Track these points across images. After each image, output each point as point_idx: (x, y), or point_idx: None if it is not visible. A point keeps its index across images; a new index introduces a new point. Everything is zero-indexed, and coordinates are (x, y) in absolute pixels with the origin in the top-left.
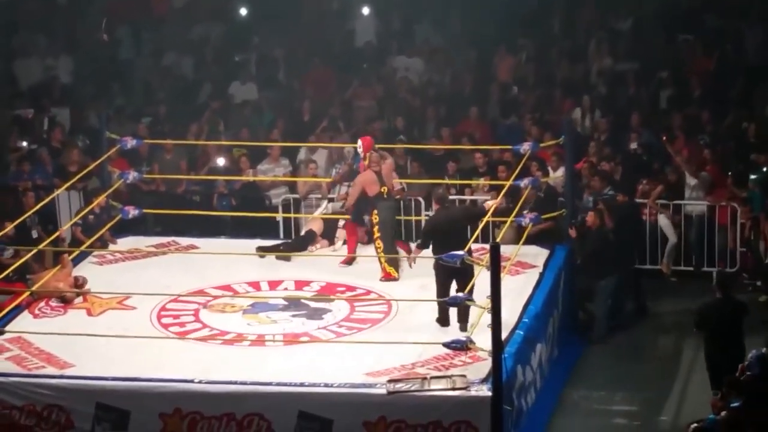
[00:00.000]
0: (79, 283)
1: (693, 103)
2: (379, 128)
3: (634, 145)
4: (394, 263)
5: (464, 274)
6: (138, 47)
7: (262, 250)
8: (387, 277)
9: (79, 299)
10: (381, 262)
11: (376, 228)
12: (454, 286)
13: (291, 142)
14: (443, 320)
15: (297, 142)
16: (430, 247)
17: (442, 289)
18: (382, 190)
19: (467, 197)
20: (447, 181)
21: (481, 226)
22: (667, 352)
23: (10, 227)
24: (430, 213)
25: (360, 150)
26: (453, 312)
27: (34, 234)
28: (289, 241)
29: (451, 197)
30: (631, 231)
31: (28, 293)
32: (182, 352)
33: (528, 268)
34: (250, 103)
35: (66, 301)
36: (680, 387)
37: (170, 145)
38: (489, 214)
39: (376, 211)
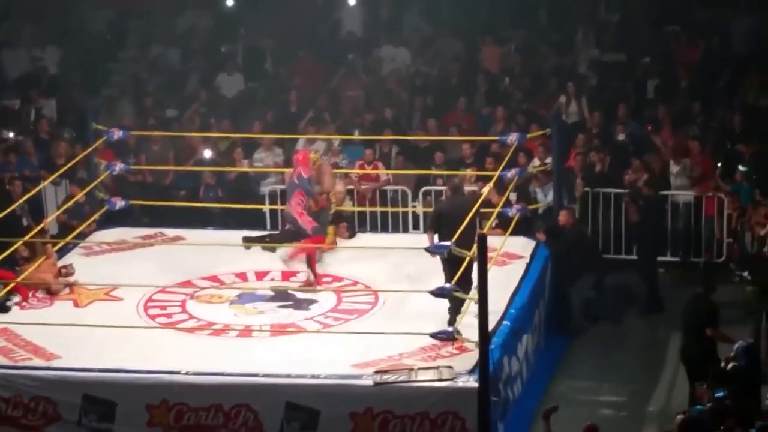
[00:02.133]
0: (65, 273)
1: (680, 94)
2: (369, 120)
3: (621, 136)
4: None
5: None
6: (125, 38)
7: (248, 241)
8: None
9: (66, 290)
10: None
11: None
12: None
13: (280, 133)
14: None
15: (286, 133)
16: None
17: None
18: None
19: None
20: (434, 171)
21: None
22: (653, 343)
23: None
24: (417, 204)
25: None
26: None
27: (25, 222)
28: (276, 232)
29: (437, 188)
30: (656, 224)
31: (13, 284)
32: (169, 343)
33: (515, 259)
34: (240, 94)
35: (52, 292)
36: (667, 377)
37: (157, 136)
38: (481, 200)
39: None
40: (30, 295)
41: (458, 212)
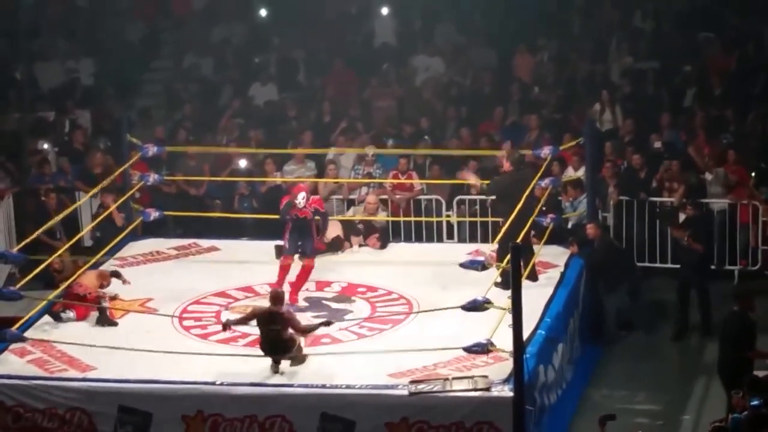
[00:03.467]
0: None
1: (714, 101)
2: (403, 129)
3: (657, 144)
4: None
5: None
6: (159, 49)
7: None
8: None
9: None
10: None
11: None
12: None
13: (313, 144)
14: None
15: (319, 143)
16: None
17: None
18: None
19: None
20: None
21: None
22: (688, 353)
23: (38, 232)
24: (451, 213)
25: (302, 200)
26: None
27: (58, 235)
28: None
29: (471, 197)
30: (707, 237)
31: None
32: (204, 353)
33: (549, 268)
34: (272, 104)
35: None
36: (702, 387)
37: (193, 152)
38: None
39: None
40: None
41: (517, 186)
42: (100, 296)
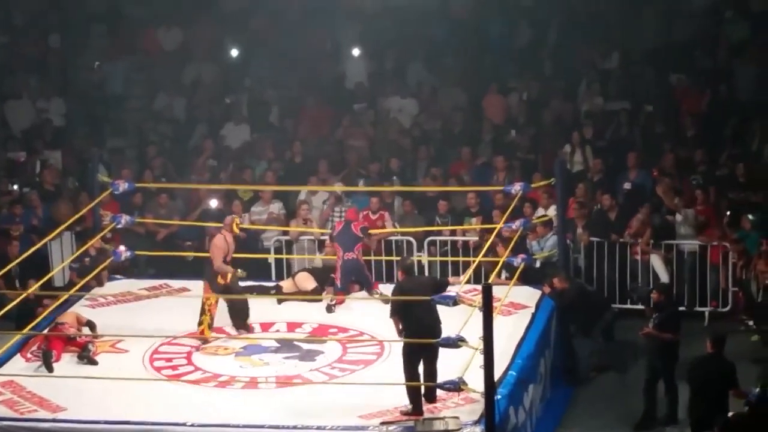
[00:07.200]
0: (84, 322)
1: (686, 142)
2: (375, 170)
3: (626, 185)
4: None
5: (432, 351)
6: (130, 89)
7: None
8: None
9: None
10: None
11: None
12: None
13: (284, 185)
14: (417, 405)
15: (290, 184)
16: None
17: (411, 369)
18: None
19: (459, 238)
20: (438, 227)
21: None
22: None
23: None
24: (422, 254)
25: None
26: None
27: (16, 283)
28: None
29: (442, 238)
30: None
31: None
32: (175, 394)
33: (520, 309)
34: (245, 145)
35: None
36: (675, 430)
37: (164, 199)
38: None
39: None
40: (36, 347)
41: (419, 291)
42: (88, 340)
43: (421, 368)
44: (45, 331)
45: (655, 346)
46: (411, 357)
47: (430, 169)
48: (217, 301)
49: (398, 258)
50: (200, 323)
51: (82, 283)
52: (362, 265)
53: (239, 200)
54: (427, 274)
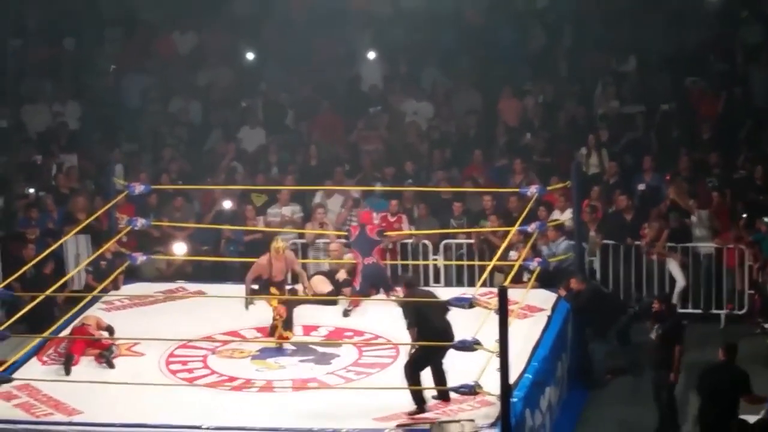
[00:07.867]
0: (104, 326)
1: (702, 145)
2: (390, 173)
3: (641, 187)
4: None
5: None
6: (145, 93)
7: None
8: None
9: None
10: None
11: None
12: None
13: (300, 186)
14: (420, 403)
15: (306, 186)
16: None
17: (416, 371)
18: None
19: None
20: (454, 229)
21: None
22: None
23: (9, 280)
24: (438, 257)
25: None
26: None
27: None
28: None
29: (458, 241)
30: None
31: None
32: (191, 398)
33: (536, 312)
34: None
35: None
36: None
37: (180, 202)
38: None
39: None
40: (52, 350)
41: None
42: (111, 343)
43: (426, 370)
44: (67, 332)
45: (658, 357)
46: (422, 362)
47: (443, 171)
48: (279, 302)
49: (414, 262)
50: (273, 328)
51: (101, 286)
52: (382, 268)
53: (252, 205)
54: (443, 278)
